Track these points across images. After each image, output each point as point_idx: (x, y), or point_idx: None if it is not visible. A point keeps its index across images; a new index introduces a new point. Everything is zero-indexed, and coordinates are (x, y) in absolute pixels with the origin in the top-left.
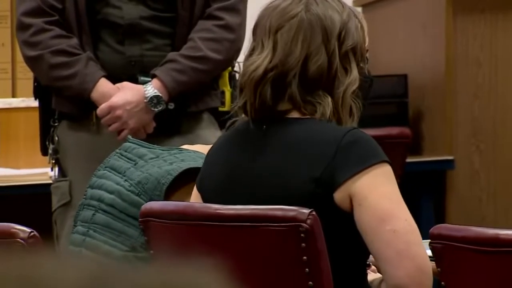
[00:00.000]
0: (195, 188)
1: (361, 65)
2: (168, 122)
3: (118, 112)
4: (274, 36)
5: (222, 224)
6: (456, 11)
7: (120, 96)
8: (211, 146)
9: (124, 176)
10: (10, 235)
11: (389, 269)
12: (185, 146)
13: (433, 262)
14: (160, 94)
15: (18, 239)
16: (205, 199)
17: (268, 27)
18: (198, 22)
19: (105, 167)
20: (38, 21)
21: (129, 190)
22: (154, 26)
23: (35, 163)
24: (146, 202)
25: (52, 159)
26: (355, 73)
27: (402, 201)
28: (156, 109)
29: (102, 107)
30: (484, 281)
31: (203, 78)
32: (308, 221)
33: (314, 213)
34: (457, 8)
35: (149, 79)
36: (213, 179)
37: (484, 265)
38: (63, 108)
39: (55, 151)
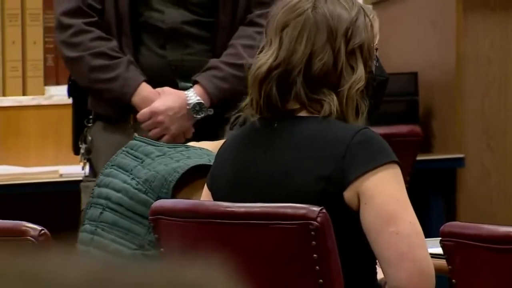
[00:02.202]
0: (205, 186)
1: (369, 63)
2: (206, 128)
3: (160, 117)
4: (280, 34)
5: (232, 222)
6: (467, 8)
7: (162, 101)
8: (217, 142)
9: (131, 174)
10: (21, 233)
11: (390, 271)
12: (191, 143)
13: (444, 259)
14: (203, 101)
15: (29, 237)
16: (215, 198)
17: (276, 24)
18: (239, 28)
19: (112, 165)
20: (77, 22)
21: (136, 188)
22: (195, 31)
23: (45, 161)
24: (153, 200)
25: (84, 159)
26: (361, 71)
27: (408, 203)
28: (198, 116)
29: (143, 112)
30: (495, 278)
31: (243, 85)
32: (319, 219)
33: (324, 211)
34: (467, 5)
35: (190, 84)
36: (223, 177)
37: (495, 262)
38: (100, 110)
39: (88, 151)
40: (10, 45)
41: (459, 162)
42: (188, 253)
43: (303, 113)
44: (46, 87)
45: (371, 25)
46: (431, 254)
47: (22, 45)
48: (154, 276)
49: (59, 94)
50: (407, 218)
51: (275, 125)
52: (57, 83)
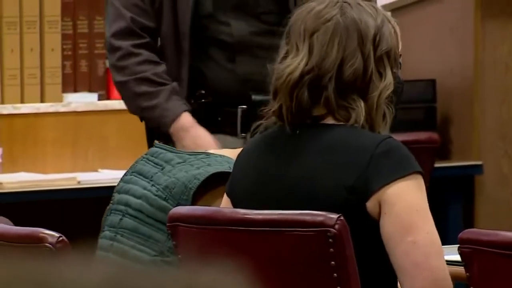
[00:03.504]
0: (225, 193)
1: (394, 70)
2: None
3: None
4: (309, 39)
5: (250, 229)
6: (485, 15)
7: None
8: (237, 150)
9: (151, 181)
10: (39, 240)
11: (406, 280)
12: (211, 151)
13: (462, 267)
14: None
15: (46, 244)
16: (235, 204)
17: (303, 30)
18: None
19: (132, 172)
20: (126, 44)
21: (156, 195)
22: (265, 41)
23: (62, 168)
24: (173, 206)
25: None
26: (389, 77)
27: (428, 213)
28: None
29: None
30: None
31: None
32: (336, 226)
33: (342, 218)
34: (485, 12)
35: (263, 97)
36: (243, 184)
37: None
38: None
39: None
40: (28, 52)
41: (477, 169)
42: (205, 260)
43: (328, 120)
44: (64, 94)
45: (395, 32)
46: (449, 261)
47: (40, 52)
48: (172, 283)
49: (77, 101)
50: (425, 228)
51: (299, 131)
52: (75, 90)
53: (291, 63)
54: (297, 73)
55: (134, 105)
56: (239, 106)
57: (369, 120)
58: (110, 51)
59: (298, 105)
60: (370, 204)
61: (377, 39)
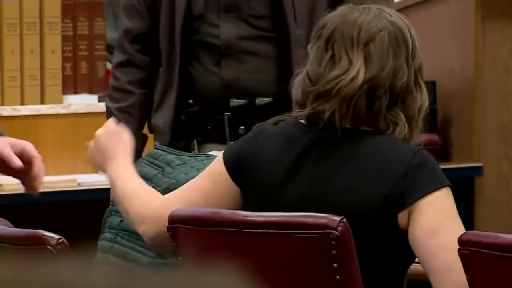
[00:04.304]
0: (217, 166)
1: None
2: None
3: None
4: (364, 48)
5: (251, 231)
6: (485, 16)
7: None
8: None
9: (152, 182)
10: (39, 242)
11: (437, 281)
12: (212, 152)
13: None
14: None
15: (47, 246)
16: (247, 191)
17: (356, 39)
18: None
19: None
20: (123, 80)
21: None
22: (253, 47)
23: (63, 170)
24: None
25: None
26: (425, 90)
27: (458, 219)
28: None
29: None
30: None
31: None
32: (339, 228)
33: (344, 220)
34: (485, 13)
35: (242, 101)
36: (263, 175)
37: None
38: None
39: None
40: (28, 54)
41: (478, 170)
42: (206, 262)
43: (364, 127)
44: (64, 96)
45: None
46: None
47: (41, 54)
48: (172, 285)
49: (77, 102)
50: (455, 232)
51: (338, 136)
52: (75, 91)
53: (346, 71)
54: (358, 82)
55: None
56: (225, 113)
57: (407, 134)
58: (111, 76)
59: (354, 113)
60: (402, 215)
61: (414, 51)
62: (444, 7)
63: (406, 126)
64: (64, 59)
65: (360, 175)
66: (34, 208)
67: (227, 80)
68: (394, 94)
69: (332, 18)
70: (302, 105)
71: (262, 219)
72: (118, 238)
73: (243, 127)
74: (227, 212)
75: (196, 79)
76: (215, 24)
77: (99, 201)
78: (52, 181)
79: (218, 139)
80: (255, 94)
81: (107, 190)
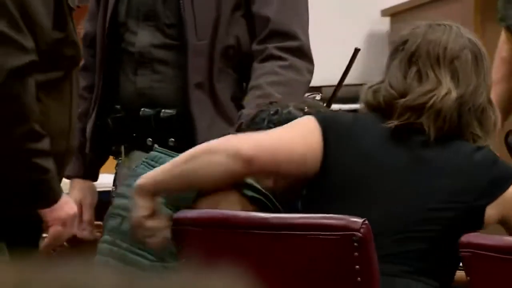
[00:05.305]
0: (307, 123)
1: None
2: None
3: None
4: (450, 66)
5: (268, 233)
6: (484, 19)
7: None
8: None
9: None
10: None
11: None
12: None
13: (463, 271)
14: None
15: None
16: (325, 170)
17: (442, 56)
18: (257, 65)
19: (133, 176)
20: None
21: None
22: (164, 55)
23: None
24: (173, 211)
25: None
26: (495, 107)
27: None
28: None
29: None
30: None
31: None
32: (362, 230)
33: (367, 222)
34: (485, 16)
35: (150, 111)
36: (345, 162)
37: None
38: None
39: None
40: None
41: None
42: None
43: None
44: None
45: None
46: None
47: None
48: (176, 287)
49: None
50: None
51: (428, 140)
52: None
53: (437, 87)
54: (451, 98)
55: None
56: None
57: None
58: None
59: (449, 127)
60: (490, 207)
61: (488, 69)
62: (443, 9)
63: (485, 140)
64: None
65: (444, 181)
66: None
67: (141, 89)
68: (476, 110)
69: (414, 34)
70: (375, 109)
71: (283, 220)
72: (118, 241)
73: (150, 139)
74: (243, 214)
75: (120, 85)
76: (134, 31)
77: (99, 204)
78: None
79: (143, 147)
80: (163, 105)
81: (107, 193)
